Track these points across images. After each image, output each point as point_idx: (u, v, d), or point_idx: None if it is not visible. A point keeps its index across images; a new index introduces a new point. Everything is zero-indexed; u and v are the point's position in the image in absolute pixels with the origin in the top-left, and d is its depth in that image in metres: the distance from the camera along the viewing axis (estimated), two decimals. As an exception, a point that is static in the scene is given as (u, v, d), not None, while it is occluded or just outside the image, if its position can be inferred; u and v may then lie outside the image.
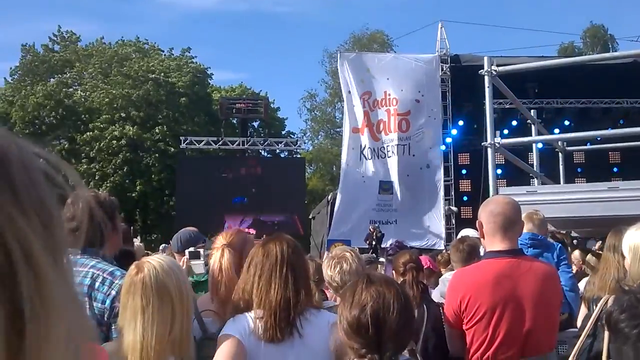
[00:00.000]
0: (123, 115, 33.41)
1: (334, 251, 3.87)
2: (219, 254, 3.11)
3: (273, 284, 2.51)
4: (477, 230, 3.51)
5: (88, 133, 32.96)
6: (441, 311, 3.60)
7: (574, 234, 10.12)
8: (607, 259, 3.90)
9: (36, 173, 0.45)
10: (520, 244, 4.62)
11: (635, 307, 1.35)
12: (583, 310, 4.26)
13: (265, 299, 2.48)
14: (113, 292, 2.81)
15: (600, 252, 7.94)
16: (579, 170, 19.53)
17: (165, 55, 37.17)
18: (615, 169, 20.96)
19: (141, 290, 2.31)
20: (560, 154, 13.31)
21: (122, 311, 2.38)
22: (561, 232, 9.07)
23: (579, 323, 4.28)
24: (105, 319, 2.80)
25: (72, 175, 0.50)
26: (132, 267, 2.42)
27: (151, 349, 2.26)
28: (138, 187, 32.58)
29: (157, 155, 32.94)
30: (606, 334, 2.43)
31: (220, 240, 3.16)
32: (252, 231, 20.87)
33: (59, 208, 0.48)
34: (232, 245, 3.18)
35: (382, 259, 8.17)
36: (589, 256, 6.84)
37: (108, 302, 2.82)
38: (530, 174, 13.26)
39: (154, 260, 2.41)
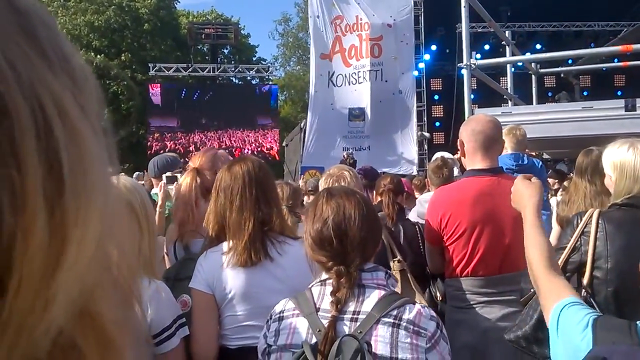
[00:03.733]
0: (85, 42, 32.40)
1: (332, 169, 3.87)
2: (184, 177, 3.10)
3: (244, 207, 2.47)
4: (450, 153, 3.54)
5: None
6: (417, 230, 3.66)
7: (545, 155, 10.28)
8: (579, 180, 3.98)
9: (57, 30, 0.43)
10: (507, 169, 4.69)
11: None
12: (556, 229, 4.37)
13: (238, 225, 2.45)
14: None
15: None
16: (549, 94, 19.64)
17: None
18: (585, 92, 21.14)
19: None
20: (533, 77, 13.33)
21: None
22: (532, 153, 9.21)
23: (553, 240, 4.41)
24: None
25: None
26: None
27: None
28: (106, 116, 31.89)
29: (124, 82, 32.19)
30: (590, 245, 2.49)
31: (190, 164, 3.13)
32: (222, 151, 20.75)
33: (83, 66, 0.47)
34: (201, 167, 3.16)
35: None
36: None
37: None
38: (505, 96, 13.30)
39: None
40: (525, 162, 4.99)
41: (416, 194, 6.26)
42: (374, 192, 4.21)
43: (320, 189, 3.73)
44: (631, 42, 10.51)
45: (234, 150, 23.02)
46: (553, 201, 5.57)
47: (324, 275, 2.00)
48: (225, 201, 2.52)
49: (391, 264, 3.20)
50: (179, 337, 2.30)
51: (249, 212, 2.46)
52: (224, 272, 2.44)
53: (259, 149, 24.08)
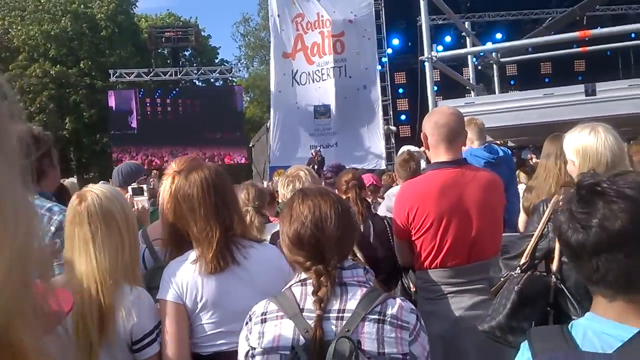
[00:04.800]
0: (42, 52, 31.87)
1: (289, 170, 3.86)
2: (168, 181, 3.06)
3: (207, 215, 2.45)
4: (416, 146, 3.55)
5: (8, 73, 31.35)
6: (386, 224, 3.66)
7: (510, 143, 10.40)
8: (546, 166, 4.00)
9: None
10: (485, 162, 4.73)
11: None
12: (522, 217, 4.42)
13: (203, 232, 2.44)
14: (52, 228, 2.74)
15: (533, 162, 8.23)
16: (512, 82, 19.91)
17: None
18: (547, 79, 21.47)
19: (87, 218, 2.29)
20: (494, 66, 13.48)
21: (68, 243, 2.34)
22: (498, 142, 9.32)
23: (521, 227, 4.45)
24: None
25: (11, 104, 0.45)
26: (74, 197, 2.37)
27: (107, 274, 2.25)
28: (68, 125, 31.51)
29: (84, 90, 31.76)
30: None
31: (172, 167, 3.10)
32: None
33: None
34: (184, 172, 3.13)
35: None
36: (519, 171, 7.05)
37: (46, 239, 2.73)
38: (467, 87, 13.43)
39: (96, 189, 2.38)
40: (501, 153, 5.08)
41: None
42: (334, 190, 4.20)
43: (279, 190, 3.74)
44: (557, 31, 10.77)
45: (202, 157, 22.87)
46: (521, 188, 5.62)
47: (303, 275, 2.00)
48: (185, 209, 2.50)
49: None
50: (159, 344, 2.35)
51: (214, 220, 2.45)
52: (193, 281, 2.42)
53: (225, 158, 24.04)
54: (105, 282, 2.27)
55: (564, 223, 1.44)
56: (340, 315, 1.90)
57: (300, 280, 2.01)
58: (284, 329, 1.93)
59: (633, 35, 16.87)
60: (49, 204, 2.85)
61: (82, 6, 32.88)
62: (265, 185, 9.17)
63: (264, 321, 1.98)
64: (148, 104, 23.87)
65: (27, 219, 0.41)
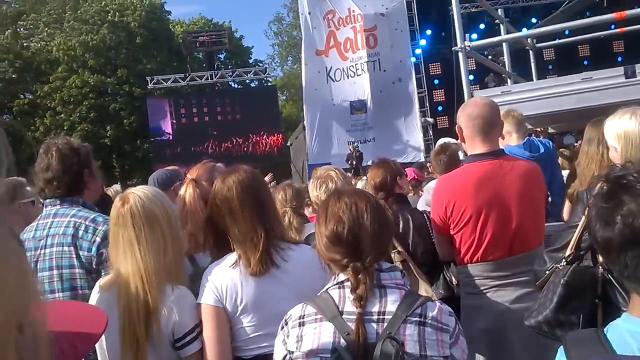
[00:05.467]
0: (82, 63, 32.54)
1: (319, 171, 3.85)
2: (184, 188, 3.12)
3: (248, 218, 2.47)
4: (453, 138, 3.49)
5: (49, 85, 32.12)
6: (426, 218, 3.62)
7: (550, 130, 10.19)
8: (588, 152, 3.89)
9: None
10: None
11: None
12: (567, 205, 4.31)
13: (245, 236, 2.46)
14: (98, 239, 2.79)
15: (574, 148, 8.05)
16: (550, 67, 19.49)
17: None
18: (585, 62, 20.98)
19: (131, 220, 2.35)
20: (530, 52, 13.21)
21: (113, 244, 2.41)
22: (538, 129, 9.13)
23: (565, 216, 4.34)
24: (94, 266, 2.78)
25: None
26: (117, 199, 2.44)
27: (152, 274, 2.30)
28: (109, 133, 32.12)
29: (123, 98, 32.33)
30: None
31: (189, 175, 3.15)
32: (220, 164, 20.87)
33: None
34: (198, 178, 3.18)
35: (364, 177, 8.19)
36: (562, 150, 6.89)
37: (94, 249, 2.79)
38: (503, 75, 13.21)
39: (138, 191, 2.43)
40: (542, 149, 4.85)
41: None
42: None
43: (310, 192, 3.73)
44: (567, 13, 10.45)
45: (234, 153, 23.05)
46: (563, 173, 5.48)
47: (341, 277, 2.00)
48: (225, 213, 2.52)
49: (392, 256, 3.20)
50: (200, 342, 2.38)
51: (254, 223, 2.47)
52: (234, 284, 2.43)
53: (264, 150, 24.11)
54: (150, 281, 2.32)
55: (592, 218, 1.39)
56: (381, 317, 1.88)
57: (337, 283, 2.00)
58: (324, 332, 1.91)
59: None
60: (92, 214, 2.89)
61: (117, 14, 33.45)
62: (304, 185, 9.18)
63: (302, 324, 1.97)
64: (184, 109, 24.14)
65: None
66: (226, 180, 2.57)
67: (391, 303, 1.91)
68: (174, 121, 23.89)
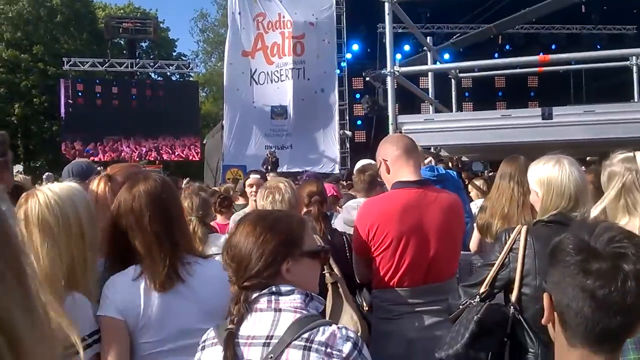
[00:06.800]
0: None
1: (270, 182, 3.82)
2: (96, 183, 2.96)
3: (153, 230, 2.37)
4: (371, 157, 3.58)
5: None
6: (345, 240, 3.65)
7: (463, 158, 10.56)
8: (500, 186, 4.09)
9: None
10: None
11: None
12: (475, 236, 4.48)
13: (149, 248, 2.37)
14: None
15: (485, 177, 8.38)
16: (466, 94, 20.21)
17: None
18: (500, 93, 21.97)
19: (24, 224, 2.20)
20: (452, 80, 13.68)
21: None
22: (453, 157, 9.47)
23: (473, 246, 4.52)
24: None
25: None
26: (21, 198, 2.28)
27: (41, 284, 2.15)
28: (17, 110, 30.62)
29: (36, 76, 30.91)
30: (519, 262, 2.53)
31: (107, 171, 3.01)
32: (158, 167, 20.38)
33: None
34: (114, 175, 3.03)
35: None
36: (477, 180, 7.15)
37: None
38: (425, 101, 13.61)
39: (41, 193, 2.26)
40: (442, 171, 5.29)
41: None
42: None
43: (258, 201, 3.72)
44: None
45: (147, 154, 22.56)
46: (473, 206, 5.69)
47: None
48: (130, 223, 2.41)
49: (326, 275, 3.22)
50: (93, 351, 2.24)
51: (160, 236, 2.38)
52: (136, 298, 2.33)
53: (177, 155, 23.74)
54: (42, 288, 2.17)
55: (569, 287, 1.29)
56: (268, 341, 1.85)
57: None
58: (215, 356, 1.89)
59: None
60: (3, 206, 2.73)
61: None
62: (218, 187, 9.09)
63: (202, 349, 1.97)
64: (99, 95, 23.35)
65: None
66: (133, 189, 2.44)
67: (282, 327, 1.87)
68: (89, 106, 23.03)
